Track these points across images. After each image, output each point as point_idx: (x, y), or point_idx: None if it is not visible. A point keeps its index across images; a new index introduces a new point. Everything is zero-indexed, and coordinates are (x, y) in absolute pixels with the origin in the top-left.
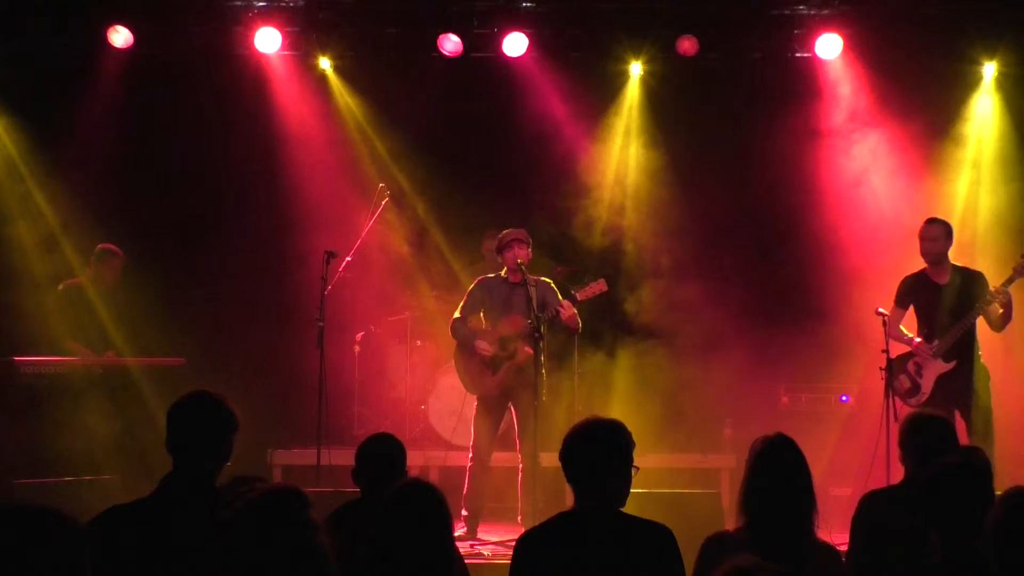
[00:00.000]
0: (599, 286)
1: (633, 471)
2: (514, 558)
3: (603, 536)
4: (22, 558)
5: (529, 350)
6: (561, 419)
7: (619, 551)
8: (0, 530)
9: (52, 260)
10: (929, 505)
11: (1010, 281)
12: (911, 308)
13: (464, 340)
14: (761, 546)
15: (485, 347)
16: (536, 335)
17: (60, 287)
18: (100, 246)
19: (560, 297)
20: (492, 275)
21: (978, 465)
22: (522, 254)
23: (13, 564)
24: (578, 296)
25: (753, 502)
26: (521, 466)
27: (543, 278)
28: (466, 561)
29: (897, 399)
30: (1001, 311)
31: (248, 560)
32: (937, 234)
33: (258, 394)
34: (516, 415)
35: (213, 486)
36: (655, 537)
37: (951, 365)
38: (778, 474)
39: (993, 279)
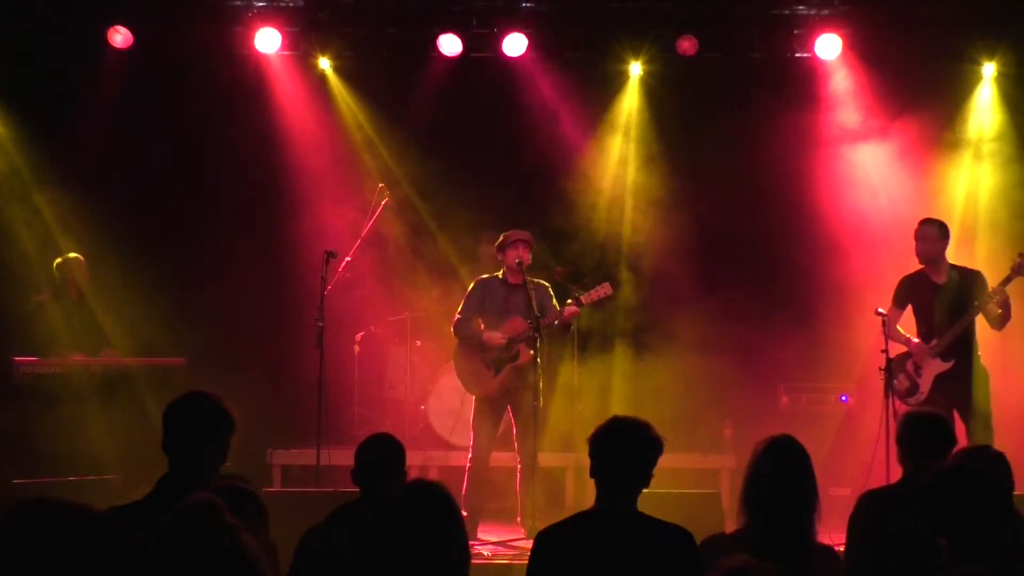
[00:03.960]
0: (604, 289)
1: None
2: (533, 553)
3: (623, 536)
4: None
5: (530, 352)
6: (561, 420)
7: (638, 552)
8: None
9: (51, 260)
10: (938, 507)
11: (1008, 280)
12: (909, 308)
13: (469, 338)
14: (762, 547)
15: (496, 337)
16: (535, 336)
17: (32, 302)
18: (57, 260)
19: (556, 303)
20: (490, 276)
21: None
22: (524, 255)
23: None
24: (583, 299)
25: (756, 502)
26: (520, 466)
27: (541, 282)
28: None
29: (896, 399)
30: (999, 311)
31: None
32: (929, 234)
33: (258, 394)
34: (515, 416)
35: (210, 487)
36: (675, 539)
37: (949, 364)
38: (784, 474)
39: (991, 279)
